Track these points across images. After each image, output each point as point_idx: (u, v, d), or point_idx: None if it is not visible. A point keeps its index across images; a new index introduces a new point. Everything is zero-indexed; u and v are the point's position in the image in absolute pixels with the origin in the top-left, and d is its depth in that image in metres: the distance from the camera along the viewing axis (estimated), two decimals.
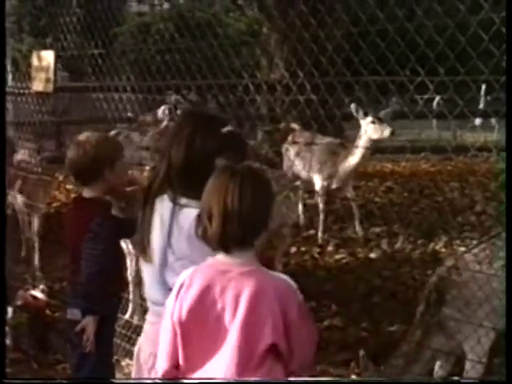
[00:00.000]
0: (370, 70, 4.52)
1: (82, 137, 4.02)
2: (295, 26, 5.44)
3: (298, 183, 9.04)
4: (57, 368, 5.42)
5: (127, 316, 5.87)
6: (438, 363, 4.55)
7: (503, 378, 2.69)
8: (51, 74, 7.11)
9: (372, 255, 7.97)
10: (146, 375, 3.11)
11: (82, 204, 3.98)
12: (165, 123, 7.46)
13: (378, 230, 8.64)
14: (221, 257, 2.68)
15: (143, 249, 3.11)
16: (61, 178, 8.84)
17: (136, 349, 3.26)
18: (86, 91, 8.16)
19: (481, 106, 16.93)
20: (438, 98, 16.04)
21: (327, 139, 8.62)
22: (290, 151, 8.96)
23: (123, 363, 5.24)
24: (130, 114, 7.49)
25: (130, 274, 5.93)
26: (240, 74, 6.52)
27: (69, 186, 9.67)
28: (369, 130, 8.06)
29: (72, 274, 3.96)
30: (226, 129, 3.17)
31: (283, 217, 6.58)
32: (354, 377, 4.62)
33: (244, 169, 2.71)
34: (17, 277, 6.45)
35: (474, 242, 4.93)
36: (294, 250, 7.97)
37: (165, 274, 3.02)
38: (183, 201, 3.03)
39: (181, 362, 2.68)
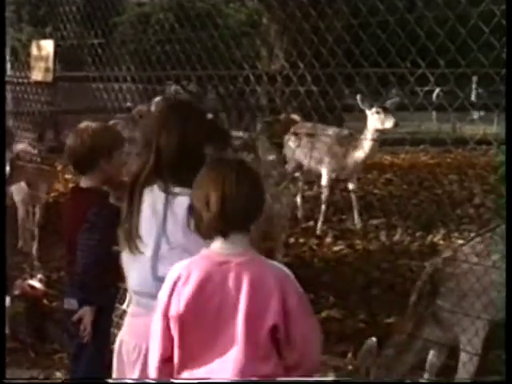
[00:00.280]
0: (370, 62, 4.51)
1: (82, 126, 4.03)
2: (295, 16, 5.42)
3: (297, 174, 9.02)
4: (54, 358, 5.42)
5: (124, 306, 5.86)
6: (431, 353, 4.57)
7: (503, 378, 2.69)
8: (50, 64, 7.09)
9: (370, 247, 7.97)
10: (129, 368, 3.06)
11: (79, 194, 3.97)
12: None
13: (376, 221, 8.64)
14: (216, 247, 2.69)
15: (131, 240, 3.05)
16: (60, 167, 8.83)
17: (117, 341, 3.20)
18: (85, 81, 8.13)
19: (472, 98, 16.91)
20: (437, 90, 16.02)
21: (333, 129, 8.57)
22: (294, 142, 8.83)
23: None
24: (129, 104, 7.48)
25: None
26: (240, 65, 6.50)
27: (67, 176, 9.66)
28: (373, 120, 7.99)
29: (69, 264, 3.96)
30: (209, 116, 3.20)
31: (282, 208, 6.58)
32: (350, 367, 4.62)
33: (237, 161, 2.85)
34: (14, 266, 6.45)
35: (472, 235, 4.93)
36: (292, 241, 7.97)
37: (157, 265, 3.01)
38: (176, 189, 3.03)
39: (176, 354, 2.67)
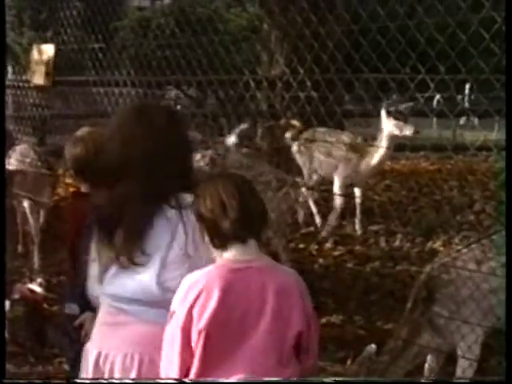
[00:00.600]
0: (370, 68, 4.52)
1: (83, 132, 4.01)
2: (296, 22, 5.44)
3: (298, 180, 9.00)
4: (53, 362, 5.41)
5: None
6: (429, 358, 4.57)
7: (503, 378, 2.69)
8: (51, 68, 7.10)
9: (370, 253, 7.96)
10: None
11: (80, 198, 3.96)
12: None
13: (376, 227, 8.64)
14: (232, 255, 2.68)
15: (129, 252, 2.88)
16: (61, 171, 8.82)
17: (94, 352, 2.96)
18: (86, 85, 8.14)
19: (465, 104, 16.90)
20: (438, 97, 16.02)
21: (348, 135, 8.48)
22: (308, 149, 8.71)
23: None
24: None
25: None
26: (240, 70, 6.51)
27: (68, 180, 9.64)
28: (390, 125, 7.80)
29: (70, 269, 3.96)
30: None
31: (282, 213, 6.57)
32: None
33: (235, 173, 2.98)
34: (14, 270, 6.44)
35: (468, 242, 4.94)
36: (292, 246, 7.96)
37: (163, 273, 2.94)
38: (188, 199, 2.90)
39: (196, 366, 2.63)
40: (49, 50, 7.24)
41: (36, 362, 5.47)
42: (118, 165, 2.91)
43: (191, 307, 2.61)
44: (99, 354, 2.92)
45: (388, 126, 7.82)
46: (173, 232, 2.87)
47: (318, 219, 8.73)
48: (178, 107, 15.76)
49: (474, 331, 4.31)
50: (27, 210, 7.40)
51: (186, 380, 2.66)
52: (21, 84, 7.98)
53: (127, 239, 2.87)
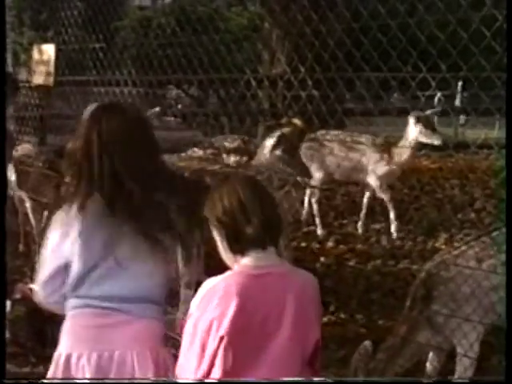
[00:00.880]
0: (371, 66, 4.51)
1: None
2: (297, 20, 5.43)
3: (299, 179, 8.95)
4: None
5: None
6: (430, 356, 4.57)
7: (503, 378, 2.68)
8: (52, 68, 7.10)
9: (372, 251, 7.96)
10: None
11: None
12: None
13: (378, 226, 8.63)
14: (250, 261, 2.66)
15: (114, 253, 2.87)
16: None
17: (75, 355, 2.90)
18: (87, 85, 8.14)
19: (457, 103, 16.89)
20: (439, 95, 16.01)
21: (366, 136, 8.38)
22: (320, 151, 8.55)
23: None
24: None
25: None
26: (242, 69, 6.51)
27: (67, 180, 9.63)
28: (416, 131, 7.78)
29: None
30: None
31: (284, 213, 6.57)
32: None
33: (248, 175, 2.91)
34: (15, 270, 6.44)
35: (466, 240, 4.95)
36: (294, 245, 7.96)
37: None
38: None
39: (218, 373, 2.60)
40: (49, 50, 7.24)
41: (37, 362, 5.47)
42: (80, 163, 2.90)
43: (209, 313, 2.59)
44: (95, 356, 2.86)
45: (415, 132, 7.80)
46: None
47: (317, 219, 8.70)
48: (179, 106, 15.77)
49: (473, 329, 4.31)
50: (29, 210, 7.39)
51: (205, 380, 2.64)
52: (21, 84, 7.98)
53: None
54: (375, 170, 8.29)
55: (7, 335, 5.50)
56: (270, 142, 6.43)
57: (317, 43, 4.80)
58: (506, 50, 3.30)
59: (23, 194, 7.34)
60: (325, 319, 6.00)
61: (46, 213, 7.45)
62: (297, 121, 9.00)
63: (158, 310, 2.95)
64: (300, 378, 2.67)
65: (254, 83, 6.18)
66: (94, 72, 7.13)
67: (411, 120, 7.81)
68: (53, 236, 2.91)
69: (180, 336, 2.75)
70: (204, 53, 6.00)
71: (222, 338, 2.56)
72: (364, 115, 8.05)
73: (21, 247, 7.60)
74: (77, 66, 7.90)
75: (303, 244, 8.13)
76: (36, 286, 3.08)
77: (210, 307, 2.59)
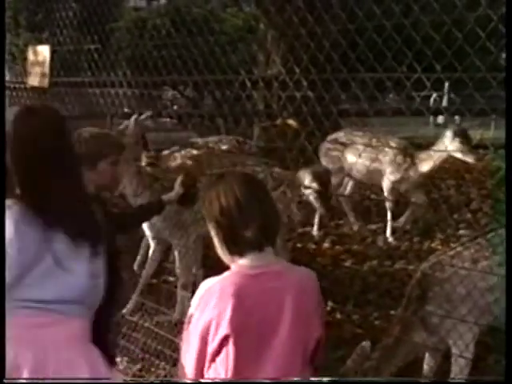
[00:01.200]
0: (366, 67, 4.51)
1: (82, 131, 4.03)
2: (292, 22, 5.43)
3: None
4: None
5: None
6: (426, 357, 4.58)
7: (502, 378, 2.68)
8: (47, 69, 7.09)
9: (368, 252, 7.96)
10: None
11: None
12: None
13: (374, 226, 8.63)
14: (247, 261, 2.64)
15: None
16: None
17: (24, 359, 2.81)
18: (82, 86, 8.14)
19: (444, 103, 16.89)
20: (434, 95, 16.03)
21: (393, 139, 8.28)
22: (342, 151, 8.37)
23: (118, 359, 5.23)
24: (126, 110, 7.47)
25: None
26: (237, 70, 6.51)
27: None
28: (453, 147, 7.54)
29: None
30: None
31: (279, 213, 6.56)
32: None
33: (245, 173, 2.89)
34: None
35: (462, 241, 4.97)
36: (290, 245, 7.95)
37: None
38: None
39: (220, 373, 2.60)
40: (44, 51, 7.22)
41: None
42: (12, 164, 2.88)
43: (207, 314, 2.58)
44: (30, 356, 2.80)
45: (450, 146, 7.58)
46: None
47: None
48: (175, 107, 15.76)
49: (469, 330, 4.32)
50: None
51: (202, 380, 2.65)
52: (17, 85, 7.97)
53: None
54: (390, 175, 8.20)
55: None
56: None
57: (312, 44, 4.80)
58: (501, 50, 3.31)
59: None
60: None
61: None
62: (292, 122, 9.01)
63: (88, 310, 2.94)
64: (300, 378, 2.68)
65: (249, 84, 6.18)
66: (90, 73, 7.13)
67: (448, 133, 7.63)
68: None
69: (176, 337, 2.75)
70: (199, 54, 5.99)
71: (223, 339, 2.56)
72: (359, 116, 8.04)
73: None
74: (72, 68, 7.89)
75: (299, 245, 8.12)
76: None
77: (208, 308, 2.58)
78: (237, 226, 2.61)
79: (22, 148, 2.87)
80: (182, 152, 7.37)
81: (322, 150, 8.52)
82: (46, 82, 7.12)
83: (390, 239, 8.21)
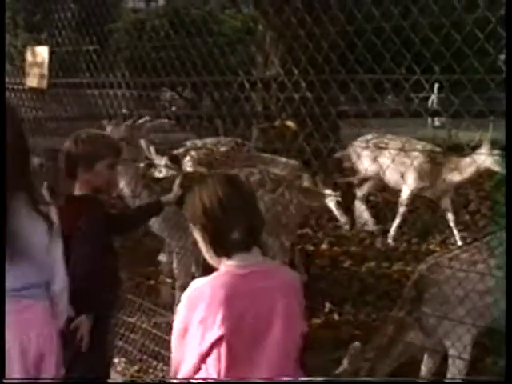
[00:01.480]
0: (365, 68, 4.51)
1: (81, 131, 4.05)
2: (291, 23, 5.43)
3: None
4: None
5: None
6: (425, 358, 4.58)
7: (502, 379, 2.69)
8: (45, 70, 7.08)
9: (366, 253, 7.96)
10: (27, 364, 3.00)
11: (72, 202, 3.96)
12: None
13: (372, 228, 8.64)
14: (235, 262, 2.65)
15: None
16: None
17: (20, 341, 2.98)
18: (80, 87, 8.14)
19: (434, 105, 16.89)
20: (433, 97, 16.04)
21: (423, 144, 8.19)
22: (371, 153, 8.31)
23: (116, 360, 5.24)
24: (124, 111, 7.47)
25: None
26: (235, 72, 6.50)
27: None
28: (488, 160, 7.55)
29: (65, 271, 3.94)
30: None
31: (278, 215, 6.56)
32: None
33: (230, 175, 3.01)
34: None
35: (458, 245, 4.97)
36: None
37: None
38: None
39: (214, 371, 2.60)
40: (43, 52, 7.21)
41: None
42: None
43: (198, 315, 2.58)
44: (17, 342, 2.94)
45: (488, 160, 7.56)
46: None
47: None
48: (173, 108, 15.75)
49: (466, 332, 4.32)
50: None
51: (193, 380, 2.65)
52: (15, 86, 7.96)
53: None
54: (413, 181, 8.15)
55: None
56: None
57: (311, 45, 4.79)
58: (500, 52, 3.31)
59: None
60: (319, 321, 6.01)
61: None
62: (290, 123, 9.01)
63: (48, 293, 3.08)
64: (300, 379, 2.68)
65: (247, 85, 6.18)
66: (88, 74, 7.12)
67: (486, 145, 7.60)
68: None
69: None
70: (198, 55, 5.98)
71: (215, 340, 2.56)
72: (358, 117, 8.03)
73: None
74: (70, 69, 7.88)
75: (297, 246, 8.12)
76: None
77: (199, 309, 2.58)
78: (223, 227, 2.61)
79: None
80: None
81: (354, 150, 8.51)
82: (44, 83, 7.10)
83: (389, 241, 8.22)
